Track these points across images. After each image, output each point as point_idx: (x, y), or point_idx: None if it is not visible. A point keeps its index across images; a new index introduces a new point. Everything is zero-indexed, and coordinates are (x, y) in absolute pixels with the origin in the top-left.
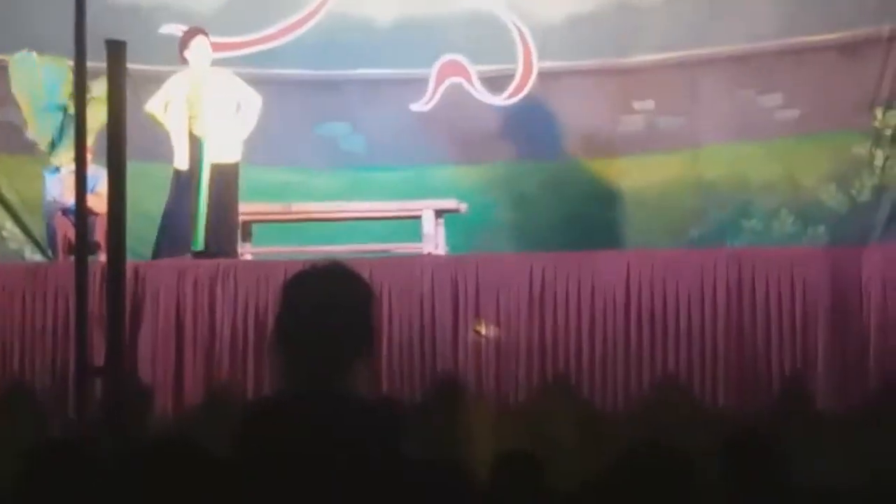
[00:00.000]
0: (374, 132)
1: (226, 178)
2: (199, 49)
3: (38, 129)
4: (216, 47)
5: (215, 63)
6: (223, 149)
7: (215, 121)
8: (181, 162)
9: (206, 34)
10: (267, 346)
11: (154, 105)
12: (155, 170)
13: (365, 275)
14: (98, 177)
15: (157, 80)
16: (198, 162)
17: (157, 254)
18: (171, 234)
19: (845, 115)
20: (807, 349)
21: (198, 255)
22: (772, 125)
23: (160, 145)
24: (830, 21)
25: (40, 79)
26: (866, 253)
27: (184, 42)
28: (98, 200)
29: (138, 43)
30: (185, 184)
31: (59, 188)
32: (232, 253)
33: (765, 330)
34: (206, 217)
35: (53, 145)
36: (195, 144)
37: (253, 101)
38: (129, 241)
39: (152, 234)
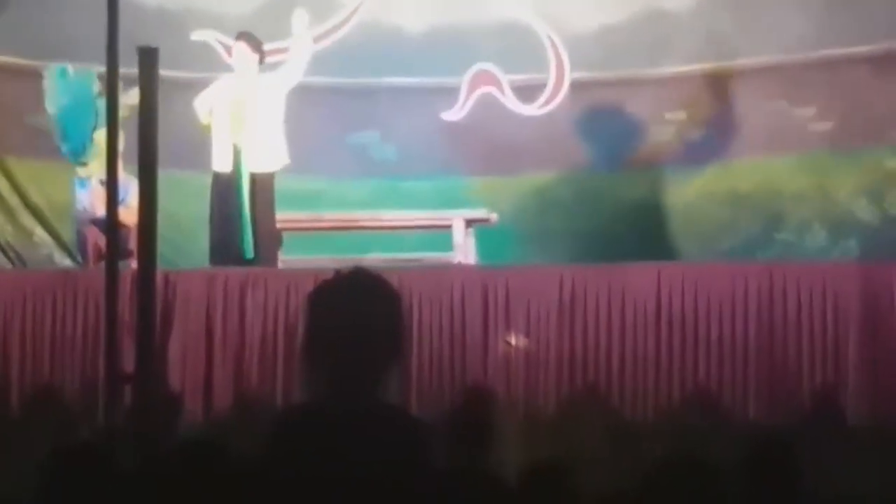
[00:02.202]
0: (405, 141)
1: (263, 188)
2: (239, 55)
3: (68, 142)
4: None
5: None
6: (263, 158)
7: (257, 130)
8: (221, 165)
9: (247, 40)
10: (297, 354)
11: (199, 105)
12: (186, 178)
13: (394, 284)
14: (128, 187)
15: (187, 87)
16: (237, 170)
17: (212, 260)
18: (216, 241)
19: (879, 129)
20: (838, 362)
21: (246, 262)
22: (805, 137)
23: (191, 153)
24: (864, 33)
25: (72, 90)
26: None
27: (229, 50)
28: (128, 213)
29: (169, 49)
30: (224, 191)
31: (90, 199)
32: (273, 262)
33: (796, 343)
34: (254, 226)
35: (83, 156)
36: (235, 152)
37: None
38: (161, 248)
39: (182, 240)
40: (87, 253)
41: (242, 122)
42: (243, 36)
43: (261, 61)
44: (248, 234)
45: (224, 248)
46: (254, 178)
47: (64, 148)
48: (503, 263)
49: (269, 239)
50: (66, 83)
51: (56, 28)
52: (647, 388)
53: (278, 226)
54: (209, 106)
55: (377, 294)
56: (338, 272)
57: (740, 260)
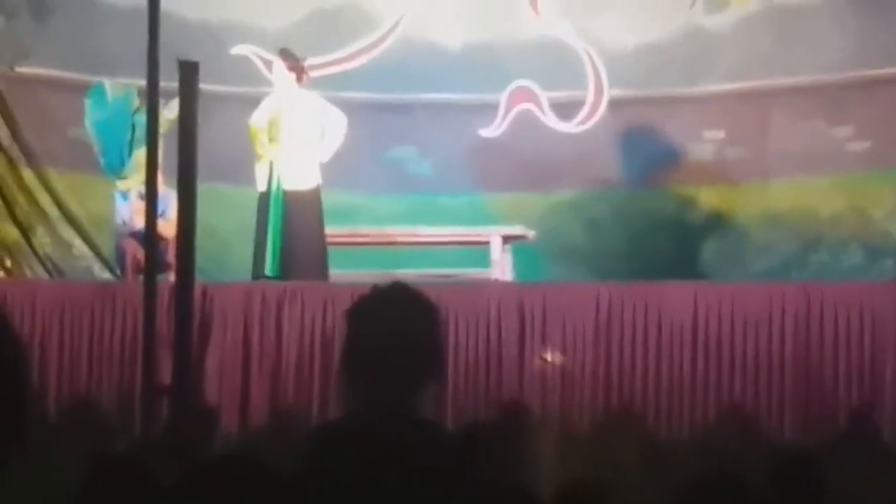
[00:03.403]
0: (442, 157)
1: (305, 205)
2: (277, 72)
3: (105, 159)
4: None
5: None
6: (300, 175)
7: (293, 147)
8: (261, 184)
9: (284, 57)
10: (334, 368)
11: (254, 121)
12: (225, 191)
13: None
14: (167, 200)
15: (227, 101)
16: (270, 188)
17: (255, 276)
18: (254, 257)
19: None
20: (874, 383)
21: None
22: (842, 157)
23: (231, 167)
24: None
25: (111, 107)
26: None
27: (269, 65)
28: (167, 225)
29: (210, 63)
30: (261, 208)
31: (129, 212)
32: (322, 278)
33: (832, 363)
34: (282, 244)
35: (122, 171)
36: (269, 169)
37: (339, 123)
38: (199, 262)
39: (220, 254)
40: (125, 266)
41: (277, 139)
42: (281, 53)
43: (299, 79)
44: (272, 251)
45: (257, 265)
46: (291, 196)
47: (102, 162)
48: (540, 280)
49: (312, 256)
50: (103, 100)
51: (99, 42)
52: (682, 407)
53: None
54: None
55: (416, 308)
56: (376, 286)
57: (777, 280)
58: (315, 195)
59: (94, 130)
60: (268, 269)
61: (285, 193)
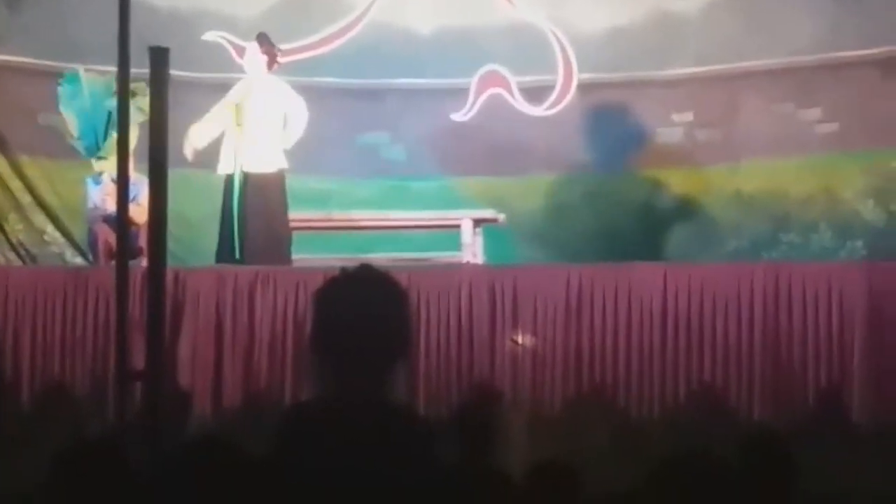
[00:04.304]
0: (414, 142)
1: (268, 188)
2: (249, 57)
3: (83, 142)
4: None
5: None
6: (262, 158)
7: (255, 130)
8: (223, 168)
9: (259, 41)
10: (304, 351)
11: (193, 135)
12: (196, 176)
13: (402, 283)
14: (139, 186)
15: (198, 87)
16: (234, 171)
17: (217, 260)
18: (219, 241)
19: (885, 131)
20: (843, 362)
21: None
22: (811, 139)
23: (201, 152)
24: (870, 36)
25: (86, 94)
26: None
27: (240, 50)
28: (139, 210)
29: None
30: (225, 191)
31: (101, 195)
32: (283, 262)
33: (801, 343)
34: (244, 227)
35: (97, 152)
36: (233, 153)
37: (300, 111)
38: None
39: (191, 239)
40: (97, 251)
41: (241, 123)
42: (259, 37)
43: (269, 65)
44: (236, 235)
45: (221, 248)
46: (253, 179)
47: (79, 145)
48: (510, 263)
49: (274, 240)
50: (79, 86)
51: (70, 29)
52: (652, 386)
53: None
54: (203, 137)
55: (383, 290)
56: (344, 269)
57: (746, 260)
58: (278, 179)
59: (71, 115)
60: (232, 252)
61: (247, 176)
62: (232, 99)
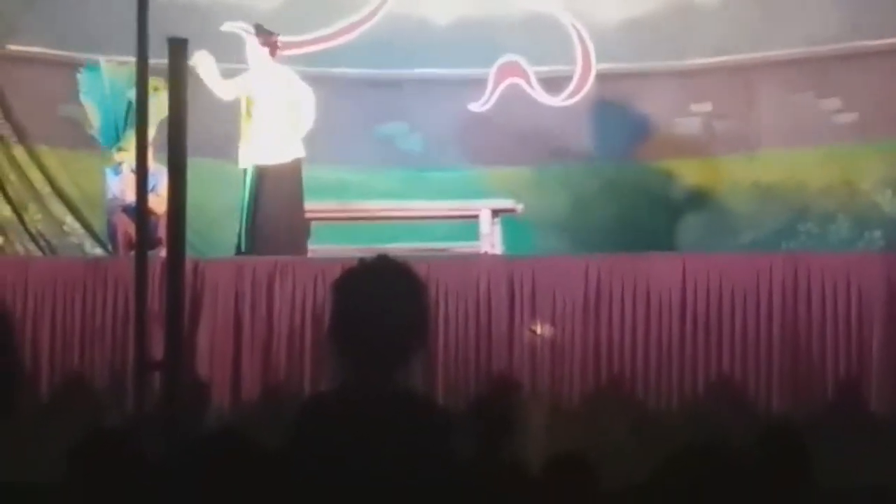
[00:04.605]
0: (432, 132)
1: (283, 179)
2: (251, 51)
3: (104, 133)
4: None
5: (277, 62)
6: (276, 149)
7: (266, 122)
8: (243, 161)
9: (257, 32)
10: (323, 342)
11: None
12: (215, 167)
13: (421, 274)
14: (158, 176)
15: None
16: (246, 165)
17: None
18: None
19: None
20: (861, 353)
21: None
22: (829, 129)
23: (221, 142)
24: (890, 26)
25: (106, 84)
26: None
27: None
28: (158, 201)
29: (199, 40)
30: (244, 184)
31: (121, 186)
32: (300, 252)
33: (819, 334)
34: (259, 220)
35: (117, 143)
36: (246, 146)
37: (308, 98)
38: (189, 237)
39: (210, 231)
40: (117, 241)
41: (251, 115)
42: (256, 28)
43: (272, 54)
44: (243, 229)
45: (239, 240)
46: (269, 172)
47: (99, 136)
48: (529, 254)
49: (293, 229)
50: (100, 78)
51: (88, 19)
52: (671, 378)
53: (306, 216)
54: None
55: (401, 281)
56: (362, 260)
57: (765, 251)
58: (294, 169)
59: (91, 104)
60: (239, 245)
61: (263, 170)
62: (240, 88)
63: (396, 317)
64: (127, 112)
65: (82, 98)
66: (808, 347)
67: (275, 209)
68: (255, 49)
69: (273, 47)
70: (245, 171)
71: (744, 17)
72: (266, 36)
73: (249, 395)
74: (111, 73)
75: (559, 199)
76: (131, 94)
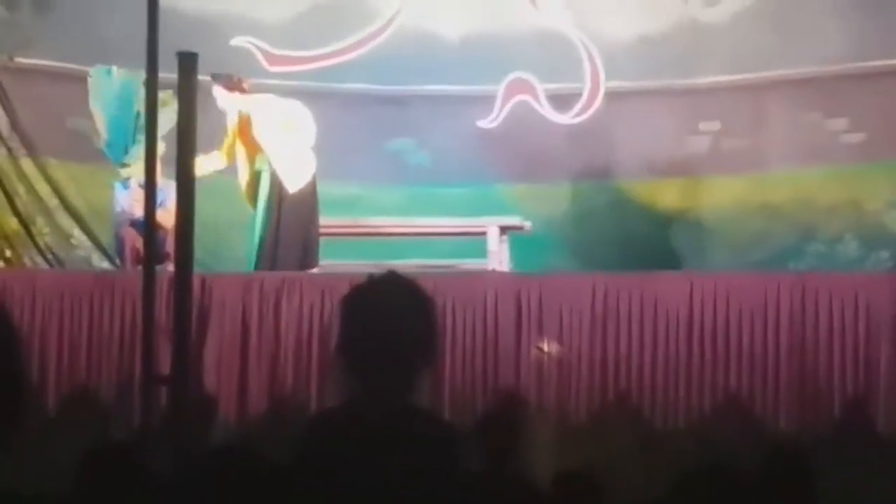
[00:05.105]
0: (440, 148)
1: (304, 202)
2: (222, 101)
3: (111, 142)
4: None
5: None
6: (294, 173)
7: (274, 152)
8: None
9: (216, 81)
10: (330, 357)
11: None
12: (223, 182)
13: (429, 290)
14: (167, 191)
15: None
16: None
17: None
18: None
19: None
20: (869, 373)
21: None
22: (838, 149)
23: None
24: None
25: (116, 92)
26: None
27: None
28: (166, 215)
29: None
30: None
31: (129, 200)
32: (309, 267)
33: (827, 353)
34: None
35: (125, 156)
36: (255, 177)
37: (303, 113)
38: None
39: (218, 246)
40: (124, 255)
41: (259, 149)
42: (213, 77)
43: (243, 91)
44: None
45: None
46: (291, 198)
47: (106, 149)
48: (537, 271)
49: (306, 248)
50: (110, 84)
51: (99, 32)
52: (677, 396)
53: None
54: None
55: (409, 297)
56: (371, 276)
57: (772, 270)
58: (310, 188)
59: (99, 111)
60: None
61: (285, 197)
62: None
63: (404, 333)
64: (135, 124)
65: (91, 104)
66: (815, 366)
67: (293, 230)
68: (224, 97)
69: (239, 86)
70: (259, 192)
71: (752, 37)
72: (227, 80)
73: (256, 409)
74: (122, 79)
75: (567, 216)
76: (140, 104)
